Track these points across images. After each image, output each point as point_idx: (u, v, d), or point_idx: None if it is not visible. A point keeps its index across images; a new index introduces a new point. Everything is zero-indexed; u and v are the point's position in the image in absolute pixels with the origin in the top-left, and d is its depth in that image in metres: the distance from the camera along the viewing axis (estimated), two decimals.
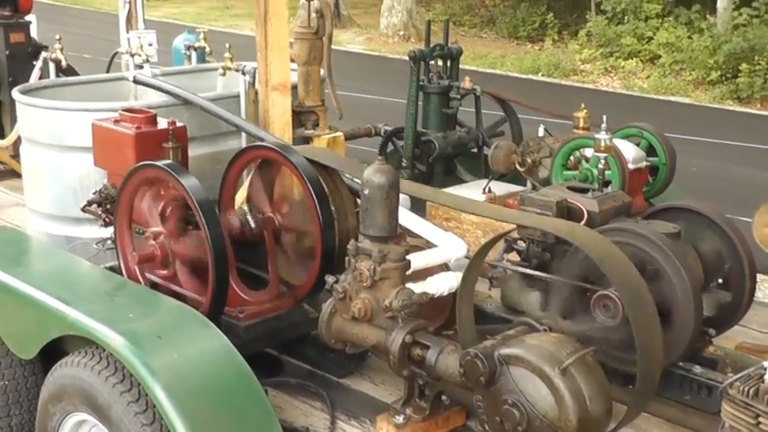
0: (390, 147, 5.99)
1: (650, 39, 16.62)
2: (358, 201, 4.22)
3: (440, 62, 5.86)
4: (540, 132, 5.17)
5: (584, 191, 3.74)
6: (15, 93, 5.19)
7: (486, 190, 5.03)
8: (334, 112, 5.24)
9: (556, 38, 18.88)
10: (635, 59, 16.47)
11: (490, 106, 6.19)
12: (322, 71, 5.23)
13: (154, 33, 6.89)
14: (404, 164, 5.74)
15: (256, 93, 4.97)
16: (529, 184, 5.03)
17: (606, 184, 3.96)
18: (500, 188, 5.14)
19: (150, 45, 6.06)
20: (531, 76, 15.99)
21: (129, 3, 7.37)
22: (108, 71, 6.56)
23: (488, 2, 22.33)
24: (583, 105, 5.11)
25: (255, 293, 3.99)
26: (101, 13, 21.68)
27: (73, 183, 4.87)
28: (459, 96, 5.72)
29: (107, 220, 4.33)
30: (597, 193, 3.72)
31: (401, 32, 19.21)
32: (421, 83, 5.75)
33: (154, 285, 3.91)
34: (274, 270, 4.01)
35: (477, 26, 21.00)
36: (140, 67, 6.03)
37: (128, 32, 7.08)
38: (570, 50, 17.38)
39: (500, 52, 17.75)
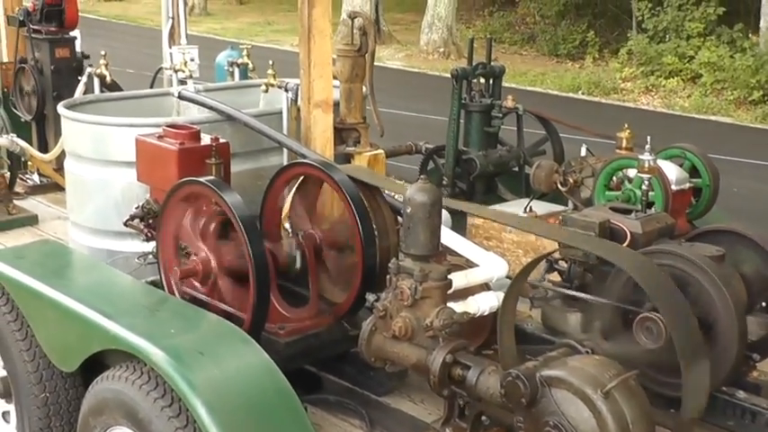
0: (431, 165, 6.00)
1: (692, 58, 16.50)
2: (399, 219, 4.25)
3: (482, 80, 5.86)
4: (583, 152, 5.15)
5: (627, 212, 3.72)
6: (60, 107, 5.27)
7: (527, 209, 5.02)
8: (376, 129, 5.26)
9: (596, 56, 18.81)
10: (676, 78, 16.35)
11: (532, 125, 6.18)
12: (364, 88, 5.26)
13: (196, 49, 6.97)
14: (444, 182, 5.75)
15: (298, 109, 5.01)
16: (570, 204, 5.01)
17: (649, 205, 3.93)
18: (541, 208, 5.12)
19: (192, 60, 6.13)
20: (570, 95, 15.93)
21: (173, 18, 7.46)
22: (152, 86, 6.65)
23: (529, 19, 22.31)
24: (626, 126, 5.08)
25: (296, 310, 4.01)
26: (144, 29, 21.98)
27: (115, 197, 4.93)
28: (501, 115, 5.73)
29: (149, 234, 4.38)
30: (640, 214, 3.69)
31: (441, 49, 19.25)
32: (463, 101, 5.76)
33: (195, 300, 3.94)
34: (315, 287, 4.03)
35: (517, 43, 20.98)
36: (183, 82, 6.11)
37: (170, 48, 7.18)
38: (611, 69, 17.31)
39: (540, 70, 17.72)
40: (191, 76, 5.82)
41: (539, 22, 21.61)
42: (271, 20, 23.81)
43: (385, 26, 20.96)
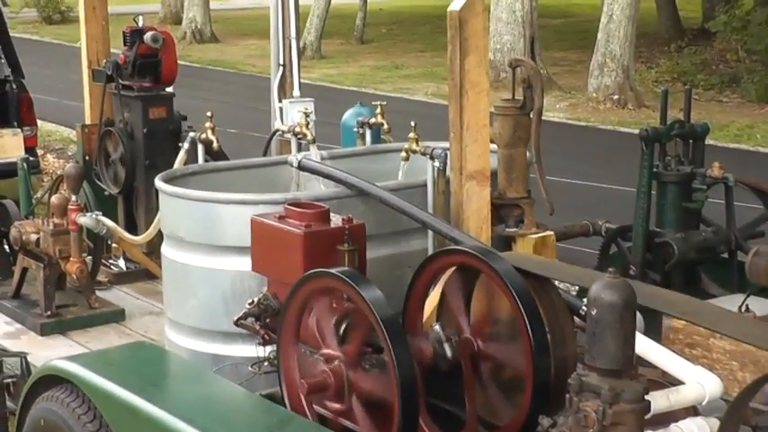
0: (614, 249, 6.01)
1: None
2: (577, 320, 4.28)
3: (679, 142, 5.86)
4: None
5: None
6: (158, 180, 5.56)
7: (743, 308, 4.96)
8: (543, 205, 5.34)
9: None
10: None
11: (746, 198, 6.12)
12: (528, 154, 5.35)
13: (312, 102, 7.25)
14: (632, 271, 5.74)
15: (447, 182, 5.14)
16: None
17: None
18: (761, 306, 5.05)
19: (308, 116, 6.36)
20: None
21: (284, 66, 7.80)
22: (265, 153, 6.91)
23: (730, 56, 22.06)
24: None
25: None
26: (244, 76, 22.71)
27: (224, 290, 5.15)
28: (704, 187, 5.70)
29: (266, 337, 4.55)
30: None
31: (615, 96, 19.19)
32: (655, 169, 5.77)
33: (323, 420, 4.07)
34: (473, 406, 4.09)
35: (714, 87, 20.73)
36: (299, 144, 6.30)
37: (281, 101, 7.49)
38: None
39: (747, 121, 17.45)
40: (314, 141, 6.04)
41: (743, 59, 21.34)
42: (399, 62, 24.26)
43: (543, 68, 21.08)
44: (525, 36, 20.50)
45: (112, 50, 7.81)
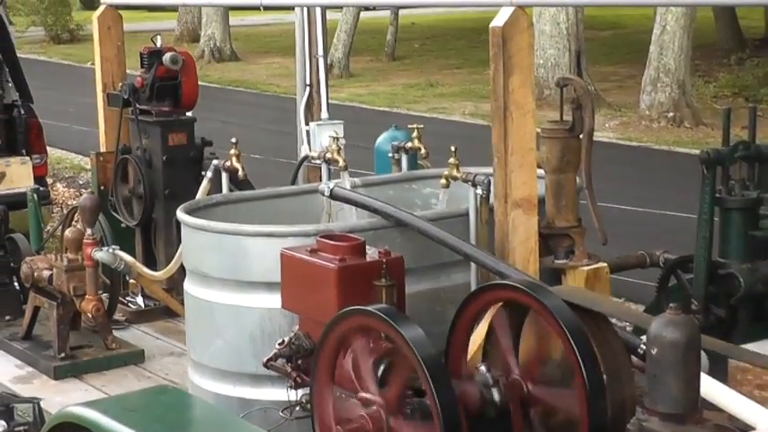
0: (673, 282, 6.00)
1: None
2: (635, 360, 4.28)
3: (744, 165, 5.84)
4: None
5: None
6: (180, 212, 5.61)
7: None
8: (595, 234, 5.34)
9: None
10: None
11: None
12: (578, 179, 5.36)
13: (341, 125, 7.29)
14: (694, 306, 5.73)
15: (491, 210, 5.16)
16: None
17: None
18: None
19: (337, 140, 6.40)
20: None
21: (310, 85, 7.86)
22: (294, 182, 6.96)
23: None
24: None
25: None
26: (267, 97, 22.80)
27: (252, 329, 5.19)
28: None
29: (298, 379, 4.58)
30: None
31: (670, 114, 19.11)
32: (717, 194, 5.76)
33: None
34: None
35: None
36: (330, 171, 6.33)
37: (308, 124, 7.53)
38: None
39: None
40: (346, 168, 6.07)
41: None
42: (434, 80, 24.28)
43: (591, 84, 21.05)
44: (571, 50, 20.47)
45: (128, 71, 7.88)
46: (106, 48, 7.73)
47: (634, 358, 4.28)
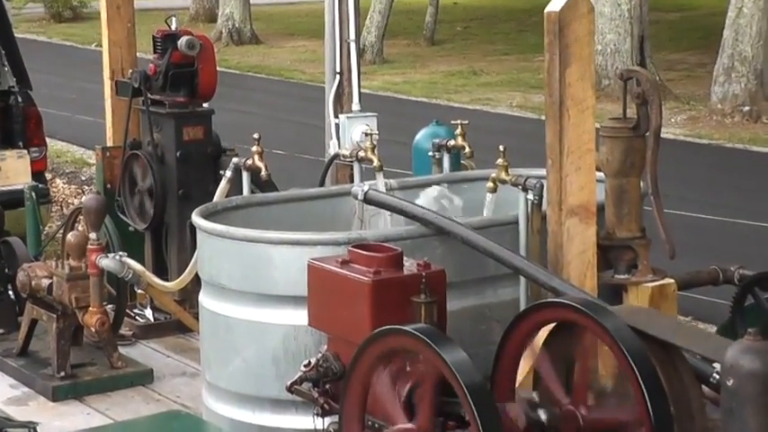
0: (750, 301, 5.96)
1: None
2: (707, 390, 4.26)
3: None
4: None
5: None
6: (195, 216, 5.62)
7: None
8: (661, 246, 5.31)
9: None
10: None
11: None
12: (642, 184, 5.34)
13: (375, 118, 7.28)
14: None
15: (544, 218, 5.15)
16: None
17: None
18: None
19: (370, 135, 6.38)
20: None
21: (341, 73, 7.86)
22: (322, 183, 6.95)
23: None
24: None
25: None
26: (292, 84, 22.80)
27: (275, 348, 5.19)
28: None
29: (326, 406, 4.58)
30: None
31: (745, 108, 18.98)
32: None
33: None
34: None
35: None
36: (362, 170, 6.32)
37: (337, 116, 7.53)
38: None
39: None
40: (381, 168, 6.07)
41: None
42: (478, 67, 24.22)
43: (655, 74, 20.97)
44: (633, 34, 20.38)
45: (138, 54, 7.89)
46: (115, 30, 7.76)
47: (706, 388, 4.27)
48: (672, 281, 5.23)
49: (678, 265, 5.55)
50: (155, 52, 7.30)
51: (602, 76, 19.21)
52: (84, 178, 14.36)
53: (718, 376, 3.91)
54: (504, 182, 5.60)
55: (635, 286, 5.16)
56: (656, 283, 5.15)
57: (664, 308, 5.11)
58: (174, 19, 7.36)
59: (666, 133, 17.45)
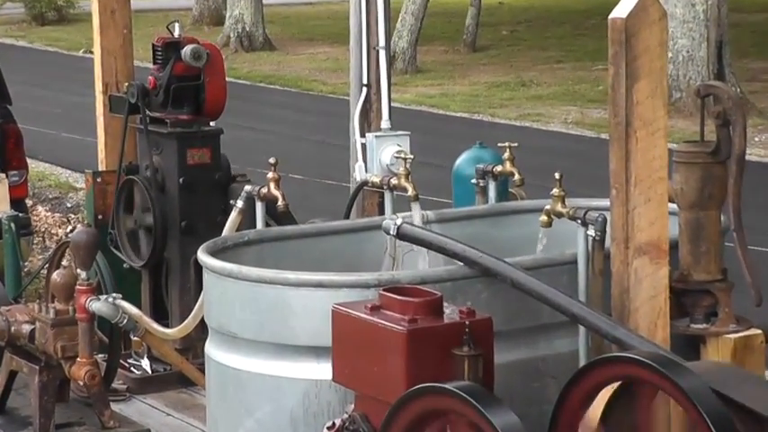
0: None
1: None
2: None
3: None
4: None
5: None
6: (201, 253, 5.63)
7: None
8: (746, 290, 5.30)
9: None
10: None
11: None
12: (723, 218, 5.32)
13: (407, 137, 7.27)
14: None
15: (607, 257, 5.13)
16: None
17: None
18: None
19: (406, 159, 6.37)
20: None
21: (368, 86, 7.87)
22: (348, 214, 6.94)
23: None
24: None
25: None
26: (311, 98, 22.83)
27: (293, 407, 5.18)
28: None
29: None
30: None
31: None
32: None
33: None
34: None
35: None
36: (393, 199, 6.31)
37: (364, 135, 7.53)
38: None
39: None
40: (417, 198, 6.07)
41: None
42: (527, 78, 24.23)
43: (735, 85, 20.94)
44: (709, 39, 20.32)
45: (135, 64, 7.88)
46: (109, 37, 7.78)
47: None
48: (759, 331, 5.21)
49: (766, 312, 5.53)
50: (154, 63, 7.32)
51: (673, 87, 19.10)
52: (69, 205, 14.38)
53: None
54: (560, 215, 5.56)
55: (715, 338, 5.14)
56: (740, 335, 5.13)
57: (749, 364, 5.09)
58: (176, 25, 7.35)
59: (750, 155, 17.42)
